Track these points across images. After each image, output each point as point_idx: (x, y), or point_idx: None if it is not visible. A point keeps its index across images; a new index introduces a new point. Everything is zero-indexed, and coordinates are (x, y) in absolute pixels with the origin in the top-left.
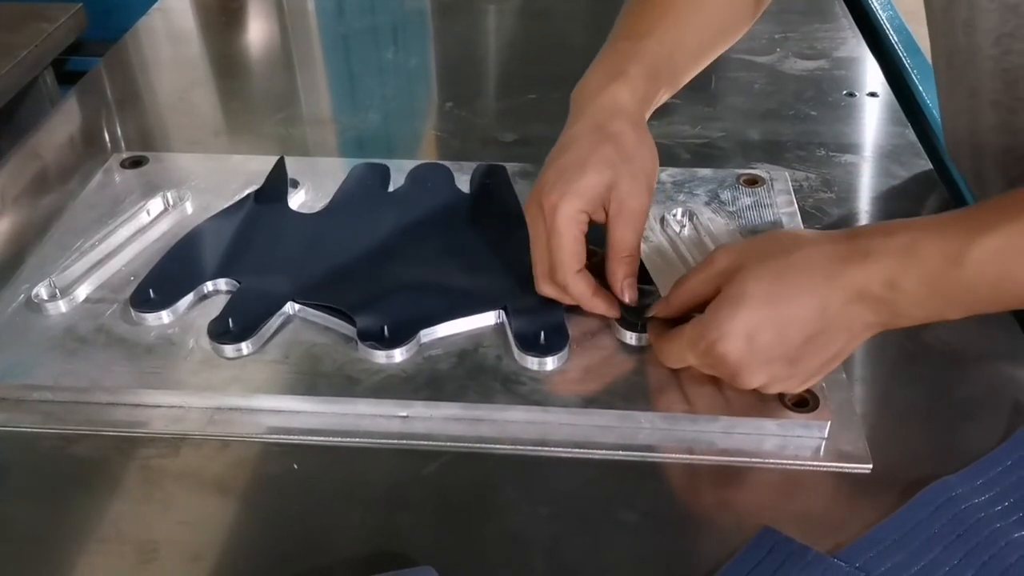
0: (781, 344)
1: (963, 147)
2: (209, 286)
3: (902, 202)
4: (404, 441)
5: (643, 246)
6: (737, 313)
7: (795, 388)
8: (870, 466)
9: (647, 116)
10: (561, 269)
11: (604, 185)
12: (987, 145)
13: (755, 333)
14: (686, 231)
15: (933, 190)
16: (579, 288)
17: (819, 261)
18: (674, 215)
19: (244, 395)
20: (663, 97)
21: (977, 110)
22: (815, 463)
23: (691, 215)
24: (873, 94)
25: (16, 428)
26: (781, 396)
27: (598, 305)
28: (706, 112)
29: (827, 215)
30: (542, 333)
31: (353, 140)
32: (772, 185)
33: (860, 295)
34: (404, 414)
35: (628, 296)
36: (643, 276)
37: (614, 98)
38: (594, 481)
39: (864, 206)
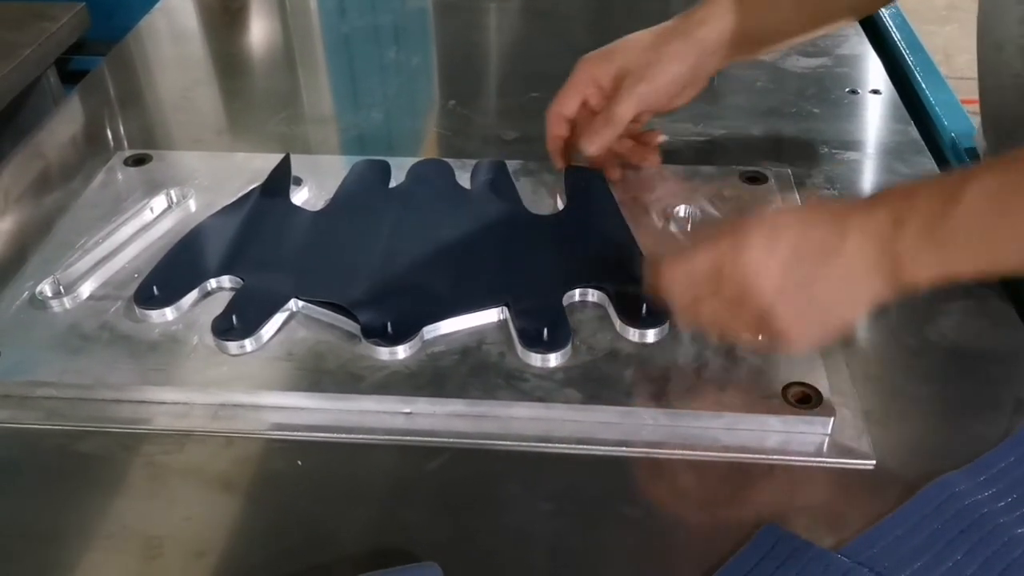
0: (797, 261)
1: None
2: (213, 283)
3: None
4: (407, 437)
5: (646, 244)
6: (762, 226)
7: (800, 334)
8: (873, 462)
9: (721, 51)
10: (553, 104)
11: (619, 66)
12: None
13: (776, 245)
14: (689, 228)
15: None
16: (549, 120)
17: (832, 209)
18: (677, 212)
19: (248, 392)
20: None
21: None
22: (818, 459)
23: (694, 212)
24: (876, 91)
25: (20, 425)
26: (784, 393)
27: (551, 143)
28: (708, 110)
29: None
30: (545, 330)
31: (355, 138)
32: (775, 182)
33: (869, 235)
34: (407, 410)
35: (591, 147)
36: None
37: (703, 19)
38: (597, 477)
39: None
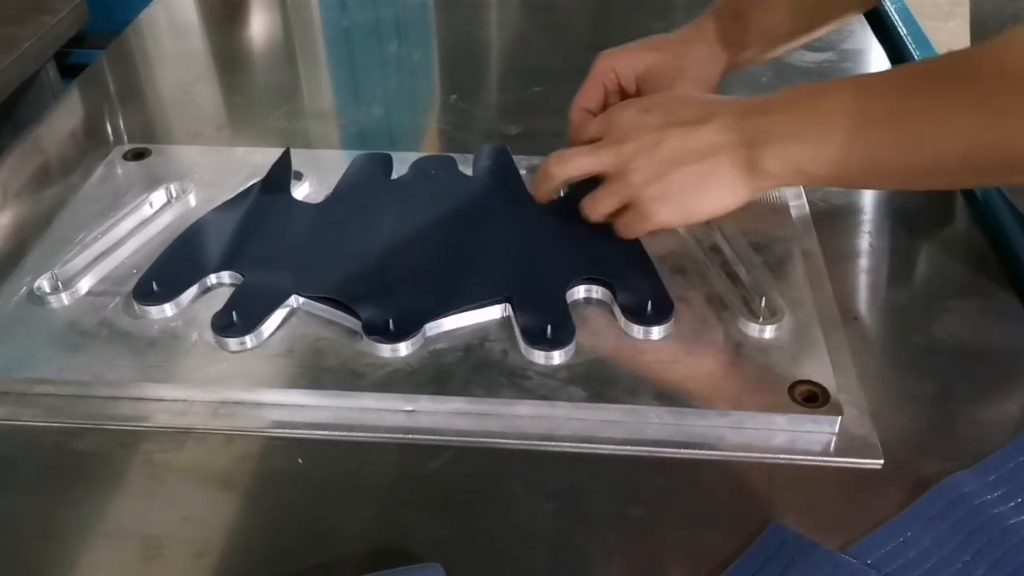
0: (664, 130)
1: None
2: (212, 279)
3: (908, 193)
4: (409, 436)
5: (652, 240)
6: (645, 97)
7: (655, 204)
8: (881, 462)
9: (731, 55)
10: (577, 98)
11: (644, 63)
12: None
13: (649, 112)
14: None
15: None
16: (574, 114)
17: (712, 96)
18: None
19: (248, 389)
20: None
21: None
22: (825, 459)
23: None
24: None
25: (18, 422)
26: (791, 391)
27: (576, 136)
28: None
29: (834, 206)
30: (549, 327)
31: (356, 134)
32: None
33: (732, 119)
34: (409, 408)
35: None
36: (649, 266)
37: (715, 26)
38: (601, 476)
39: (870, 197)
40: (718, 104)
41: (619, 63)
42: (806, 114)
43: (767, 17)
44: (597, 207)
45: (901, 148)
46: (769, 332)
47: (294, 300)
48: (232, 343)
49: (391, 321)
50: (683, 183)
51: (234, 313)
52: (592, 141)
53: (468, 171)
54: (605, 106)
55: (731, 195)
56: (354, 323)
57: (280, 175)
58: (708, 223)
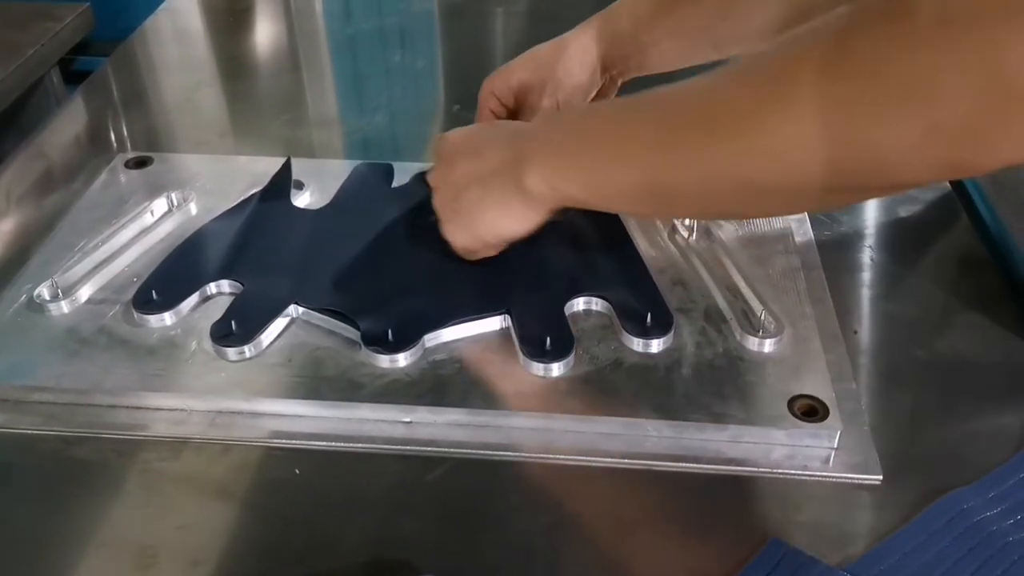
0: (461, 152)
1: None
2: (212, 287)
3: (908, 202)
4: (407, 447)
5: (652, 253)
6: (466, 127)
7: (439, 200)
8: (880, 477)
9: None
10: None
11: (517, 80)
12: None
13: (458, 137)
14: (694, 238)
15: (940, 190)
16: None
17: (508, 121)
18: (682, 221)
19: (246, 398)
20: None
21: None
22: (824, 473)
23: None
24: None
25: (16, 429)
26: (790, 406)
27: None
28: None
29: (833, 218)
30: (548, 339)
31: (359, 142)
32: None
33: (508, 140)
34: (407, 419)
35: None
36: (649, 279)
37: (600, 27)
38: (599, 489)
39: (871, 209)
40: (505, 128)
41: (495, 85)
42: (568, 132)
43: (658, 33)
44: None
45: (627, 168)
46: (769, 346)
47: (293, 310)
48: (231, 352)
49: (390, 331)
50: (467, 207)
51: (233, 322)
52: None
53: None
54: None
55: (511, 218)
56: (353, 333)
57: (281, 184)
58: (708, 234)
